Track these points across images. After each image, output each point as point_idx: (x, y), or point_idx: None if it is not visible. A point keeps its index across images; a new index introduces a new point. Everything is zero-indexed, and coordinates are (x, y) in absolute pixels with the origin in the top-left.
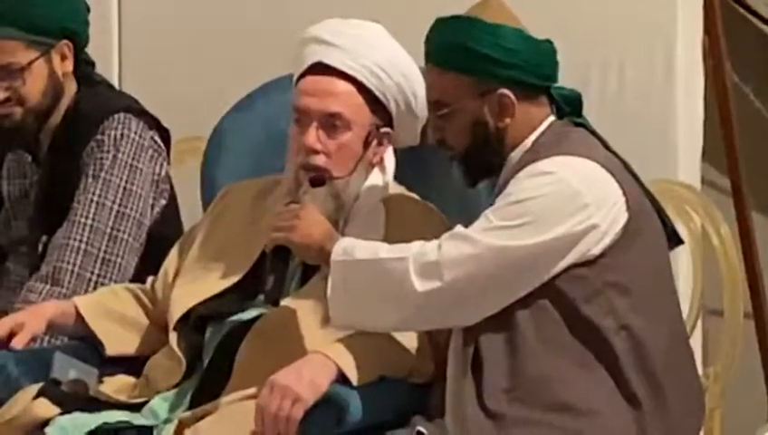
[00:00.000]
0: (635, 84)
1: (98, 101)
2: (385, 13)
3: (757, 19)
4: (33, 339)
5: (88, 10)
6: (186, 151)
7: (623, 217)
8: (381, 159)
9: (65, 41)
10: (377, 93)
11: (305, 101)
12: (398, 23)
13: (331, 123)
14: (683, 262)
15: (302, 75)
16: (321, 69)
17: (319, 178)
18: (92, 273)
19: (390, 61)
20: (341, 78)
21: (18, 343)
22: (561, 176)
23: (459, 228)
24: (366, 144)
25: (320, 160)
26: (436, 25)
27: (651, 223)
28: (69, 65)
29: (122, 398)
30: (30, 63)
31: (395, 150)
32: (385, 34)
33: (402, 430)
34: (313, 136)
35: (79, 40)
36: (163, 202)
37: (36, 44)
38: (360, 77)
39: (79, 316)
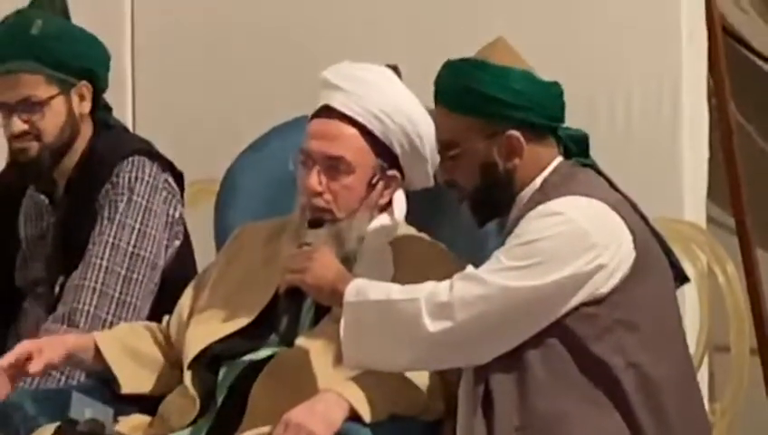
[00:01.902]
0: (641, 124)
1: (113, 144)
2: (398, 55)
3: (760, 60)
4: (51, 366)
5: (109, 58)
6: (199, 193)
7: (631, 256)
8: (390, 201)
9: (85, 82)
10: (381, 137)
11: (309, 143)
12: (411, 65)
13: (334, 166)
14: (689, 299)
15: (312, 117)
16: (327, 112)
17: (316, 220)
18: (108, 314)
19: (394, 104)
20: (345, 121)
21: (34, 366)
22: (569, 216)
23: (470, 269)
24: (370, 186)
25: (321, 202)
26: (445, 68)
27: (658, 261)
28: (87, 107)
29: None
30: (50, 99)
31: (406, 192)
32: (392, 78)
33: None
34: (315, 178)
35: (98, 83)
36: (177, 243)
37: (57, 81)
38: (362, 121)
39: (97, 351)
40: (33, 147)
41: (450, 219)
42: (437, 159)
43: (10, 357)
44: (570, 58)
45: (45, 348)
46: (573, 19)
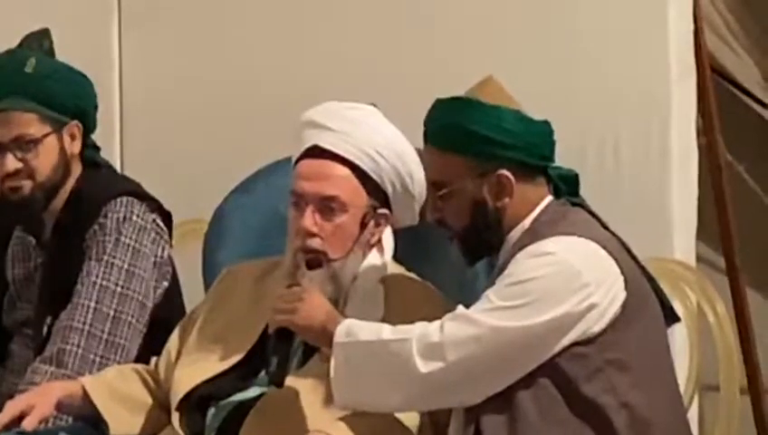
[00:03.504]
0: (630, 164)
1: (101, 185)
2: (384, 94)
3: (749, 98)
4: (44, 420)
5: (97, 97)
6: (187, 234)
7: (622, 296)
8: (379, 240)
9: (76, 121)
10: (373, 176)
11: (301, 184)
12: (397, 104)
13: (328, 206)
14: (679, 338)
15: (300, 159)
16: (317, 152)
17: (315, 261)
18: (96, 354)
19: (386, 143)
20: (337, 161)
21: (29, 424)
22: (561, 256)
23: (461, 309)
24: (363, 225)
25: (316, 243)
26: (435, 107)
27: (649, 301)
28: (77, 147)
29: None
30: (43, 137)
31: (393, 229)
32: (380, 117)
33: None
34: (310, 219)
35: (88, 122)
36: (165, 284)
37: (50, 120)
38: (355, 160)
39: (86, 396)
40: (27, 186)
41: (438, 258)
42: (424, 196)
43: (3, 418)
44: (558, 98)
45: (36, 403)
46: (561, 58)
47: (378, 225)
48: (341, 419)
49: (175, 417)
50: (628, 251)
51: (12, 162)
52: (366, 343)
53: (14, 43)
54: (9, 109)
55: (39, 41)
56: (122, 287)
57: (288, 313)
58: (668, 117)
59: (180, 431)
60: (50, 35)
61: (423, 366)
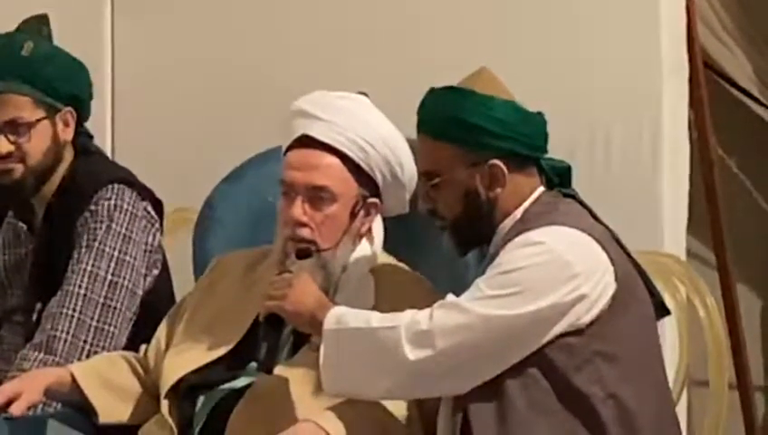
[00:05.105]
0: (621, 157)
1: (92, 172)
2: (376, 84)
3: (741, 93)
4: (32, 406)
5: (92, 85)
6: (178, 222)
7: (612, 287)
8: (369, 229)
9: (69, 108)
10: (363, 165)
11: (291, 174)
12: (389, 94)
13: (317, 196)
14: (668, 332)
15: (290, 148)
16: (306, 142)
17: (305, 251)
18: (86, 342)
19: (376, 132)
20: (327, 151)
21: (16, 409)
22: (551, 246)
23: (450, 297)
24: (352, 215)
25: (306, 233)
26: (429, 96)
27: (639, 293)
28: (70, 133)
29: None
30: (37, 121)
31: (384, 219)
32: (370, 106)
33: None
34: (299, 209)
35: (82, 110)
36: (155, 272)
37: (44, 105)
38: (345, 150)
39: (74, 384)
40: (18, 169)
41: (429, 248)
42: (414, 185)
43: None
44: (550, 91)
45: (24, 389)
46: (553, 52)
47: (367, 214)
48: (330, 408)
49: (164, 405)
50: (619, 243)
51: (4, 145)
52: (355, 330)
53: (6, 29)
54: (4, 91)
55: (38, 26)
56: (112, 275)
57: (278, 299)
58: (660, 111)
59: (169, 420)
60: (48, 21)
61: (412, 354)
